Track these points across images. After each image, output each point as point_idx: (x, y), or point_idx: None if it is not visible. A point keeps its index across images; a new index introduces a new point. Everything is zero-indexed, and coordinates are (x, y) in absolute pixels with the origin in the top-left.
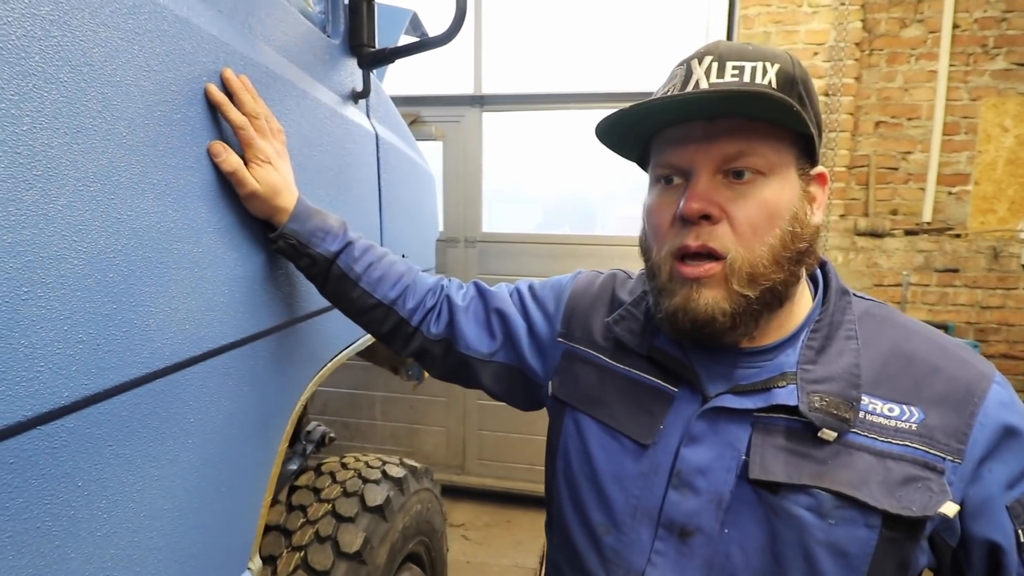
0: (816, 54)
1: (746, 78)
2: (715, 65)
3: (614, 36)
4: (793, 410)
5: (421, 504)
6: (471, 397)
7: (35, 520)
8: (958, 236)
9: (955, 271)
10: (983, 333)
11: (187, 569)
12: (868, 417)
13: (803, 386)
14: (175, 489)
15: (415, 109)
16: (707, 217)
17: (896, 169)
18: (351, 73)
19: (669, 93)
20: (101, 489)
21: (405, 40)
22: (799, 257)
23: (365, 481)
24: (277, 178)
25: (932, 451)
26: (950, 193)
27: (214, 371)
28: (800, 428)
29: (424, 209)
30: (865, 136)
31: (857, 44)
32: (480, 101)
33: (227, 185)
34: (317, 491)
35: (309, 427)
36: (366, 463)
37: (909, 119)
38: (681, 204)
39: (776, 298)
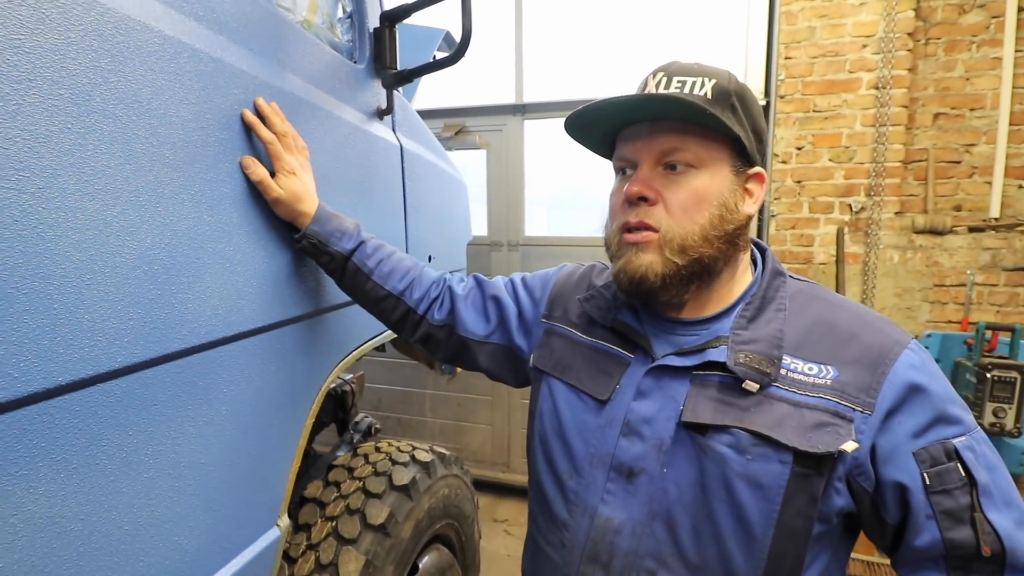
0: (865, 47)
1: (686, 90)
2: (664, 79)
3: (653, 39)
4: (723, 366)
5: (449, 489)
6: (515, 396)
7: (95, 457)
8: None
9: None
10: None
11: (221, 516)
12: (789, 374)
13: (732, 346)
14: (210, 447)
15: (460, 120)
16: (645, 199)
17: (958, 163)
18: (376, 93)
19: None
20: (148, 439)
21: (439, 57)
22: (728, 237)
23: (394, 463)
24: (300, 186)
25: (843, 402)
26: (1020, 187)
27: (244, 350)
28: (730, 382)
29: (453, 214)
30: (923, 129)
31: (910, 34)
32: (522, 109)
33: (257, 194)
34: (351, 470)
35: (357, 418)
36: (397, 448)
37: (972, 110)
38: (625, 188)
39: (704, 269)
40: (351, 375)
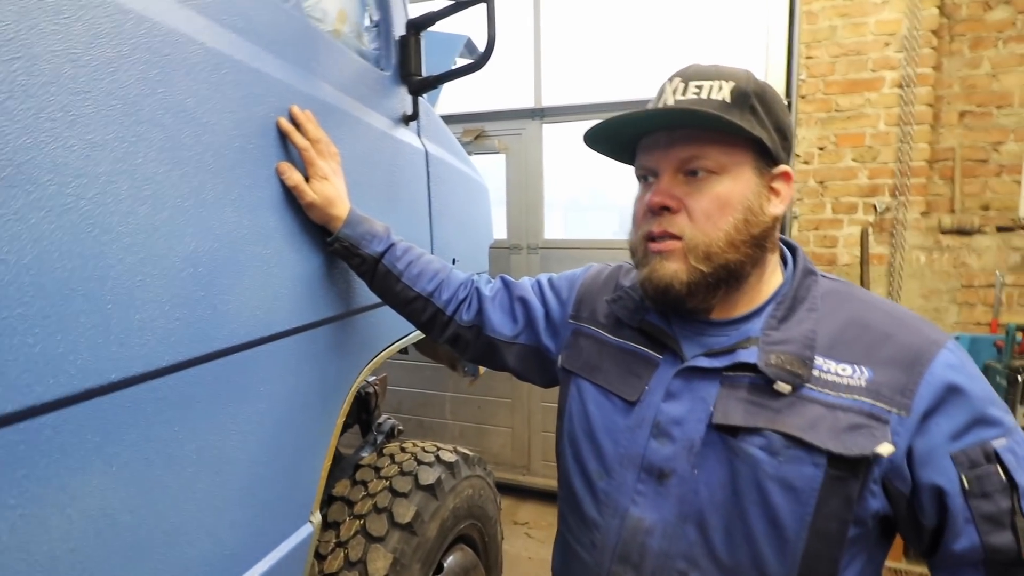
0: (888, 45)
1: (703, 95)
2: (681, 85)
3: (672, 42)
4: (754, 368)
5: (472, 489)
6: (535, 398)
7: (143, 452)
8: None
9: None
10: None
11: (258, 511)
12: (822, 375)
13: (763, 347)
14: (248, 444)
15: (479, 124)
16: (667, 208)
17: (986, 161)
18: (402, 99)
19: (649, 108)
20: (191, 435)
21: (461, 63)
22: (754, 240)
23: (420, 463)
24: (332, 191)
25: (878, 403)
26: None
27: (281, 350)
28: (761, 383)
29: (476, 218)
30: (948, 127)
31: (934, 31)
32: (540, 113)
33: (292, 199)
34: (377, 469)
35: (380, 420)
36: (422, 448)
37: (999, 107)
38: (646, 198)
39: (732, 275)
40: (374, 377)
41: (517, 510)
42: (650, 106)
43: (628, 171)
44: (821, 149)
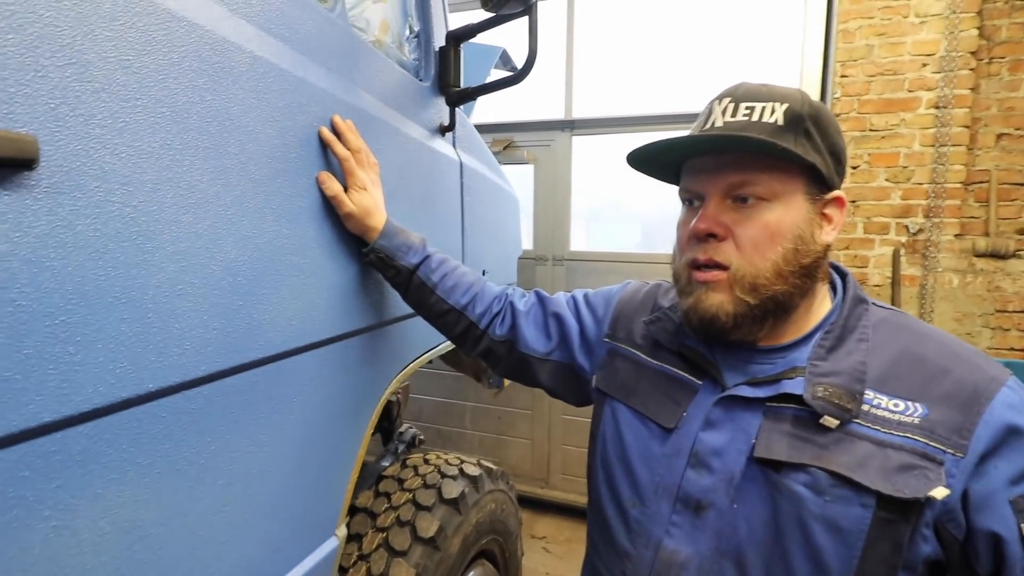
0: (925, 65)
1: (755, 117)
2: (731, 106)
3: (705, 57)
4: (799, 399)
5: (495, 504)
6: (556, 411)
7: (176, 463)
8: None
9: None
10: None
11: (287, 524)
12: (872, 410)
13: (810, 378)
14: (280, 455)
15: (509, 135)
16: (713, 235)
17: (1022, 185)
18: (439, 110)
19: (695, 129)
20: (224, 447)
21: (495, 74)
22: (804, 271)
23: (443, 476)
24: (370, 202)
25: (932, 443)
26: None
27: (314, 361)
28: (806, 416)
29: (506, 229)
30: (985, 150)
31: (973, 53)
32: (570, 125)
33: (330, 209)
34: (401, 481)
35: (402, 429)
36: (446, 460)
37: None
38: (692, 224)
39: (779, 306)
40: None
41: (535, 524)
42: (696, 126)
43: (650, 183)
44: (854, 168)
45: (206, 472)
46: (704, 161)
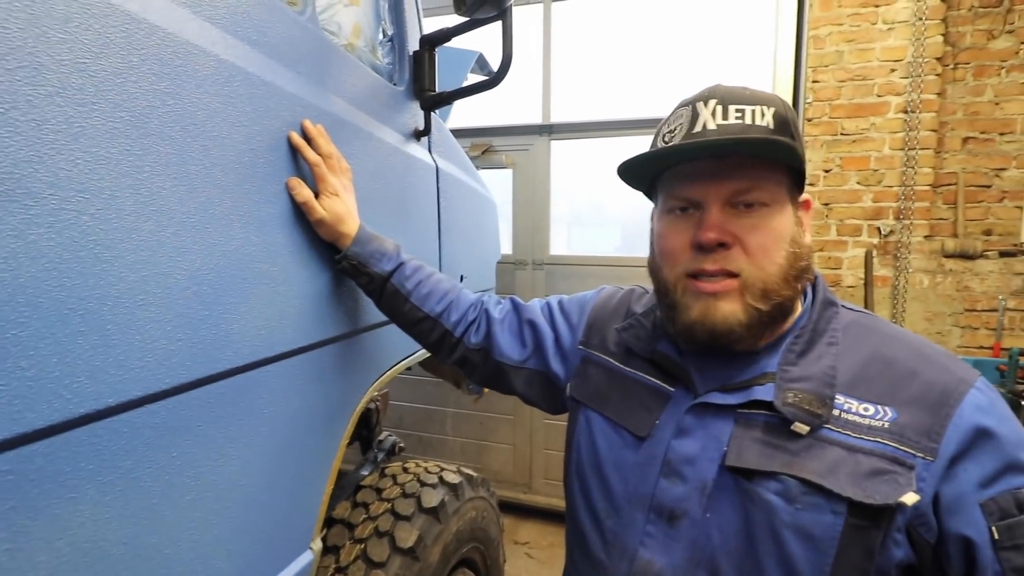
0: (893, 71)
1: (748, 120)
2: (719, 108)
3: (680, 62)
4: (770, 405)
5: (476, 511)
6: (538, 415)
7: (138, 480)
8: None
9: None
10: None
11: (257, 540)
12: (843, 415)
13: (780, 384)
14: (249, 468)
15: (487, 139)
16: (723, 244)
17: (988, 187)
18: (414, 114)
19: (677, 132)
20: (190, 462)
21: (472, 79)
22: (800, 274)
23: (423, 484)
24: (342, 208)
25: (902, 447)
26: None
27: (285, 371)
28: (777, 423)
29: (484, 234)
30: (952, 153)
31: (939, 59)
32: (549, 130)
33: (300, 215)
34: (379, 491)
35: (381, 437)
36: (425, 468)
37: (1001, 134)
38: (698, 233)
39: (782, 312)
40: (376, 393)
41: (518, 530)
42: (678, 129)
43: (625, 186)
44: (827, 172)
45: (171, 488)
46: (701, 166)
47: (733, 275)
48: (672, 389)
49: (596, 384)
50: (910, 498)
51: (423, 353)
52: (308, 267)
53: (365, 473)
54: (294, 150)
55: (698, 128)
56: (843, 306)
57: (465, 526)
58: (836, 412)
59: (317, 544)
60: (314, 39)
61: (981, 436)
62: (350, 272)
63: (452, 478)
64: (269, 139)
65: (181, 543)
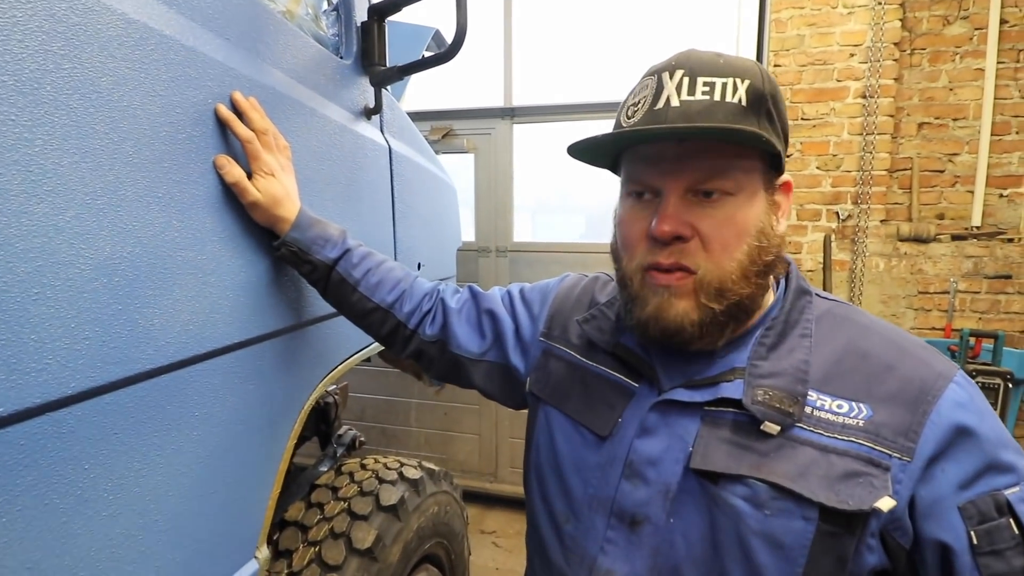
0: (853, 55)
1: (716, 96)
2: (686, 80)
3: (643, 44)
4: (739, 404)
5: (439, 506)
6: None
7: (43, 497)
8: (1011, 240)
9: (1008, 277)
10: None
11: (192, 552)
12: (815, 413)
13: (749, 380)
14: (180, 477)
15: (447, 123)
16: (680, 238)
17: (942, 172)
18: (363, 91)
19: (640, 107)
20: (107, 472)
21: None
22: (766, 270)
23: (381, 481)
24: (279, 189)
25: (877, 447)
26: (1001, 196)
27: (219, 369)
28: (746, 421)
29: (444, 220)
30: (907, 138)
31: (896, 44)
32: (511, 113)
33: (233, 197)
34: (335, 490)
35: (341, 431)
36: (384, 464)
37: (955, 119)
38: (653, 224)
39: (742, 311)
40: (334, 386)
41: (484, 519)
42: (641, 102)
43: (596, 173)
44: (788, 156)
45: (84, 504)
46: (660, 149)
47: (689, 271)
48: (636, 385)
49: (556, 379)
50: (886, 503)
51: (378, 346)
52: (243, 255)
53: (323, 470)
54: (224, 125)
55: (660, 104)
56: (817, 294)
57: (427, 522)
58: (808, 410)
59: (263, 552)
60: (245, 3)
61: (960, 435)
62: (290, 260)
63: (412, 473)
64: (192, 112)
65: (100, 563)
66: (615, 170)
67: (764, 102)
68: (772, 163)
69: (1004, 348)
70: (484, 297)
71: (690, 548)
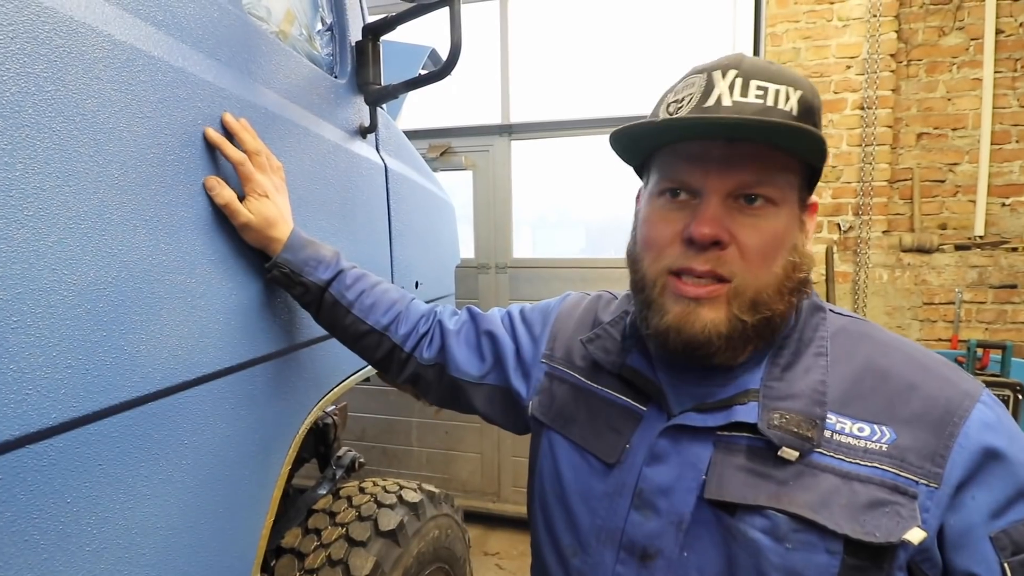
0: (849, 67)
1: (769, 101)
2: (739, 81)
3: (639, 59)
4: (754, 428)
5: (439, 530)
6: None
7: (23, 533)
8: (1015, 250)
9: (1013, 287)
10: None
11: None
12: (835, 436)
13: (765, 403)
14: (169, 508)
15: (445, 140)
16: (717, 243)
17: (943, 182)
18: (358, 110)
19: (685, 104)
20: (91, 506)
21: None
22: (798, 287)
23: (380, 505)
24: (272, 210)
25: (903, 474)
26: (1004, 204)
27: (209, 395)
28: (762, 447)
29: (441, 237)
30: (907, 149)
31: (892, 55)
32: (508, 130)
33: (224, 219)
34: (333, 515)
35: (340, 452)
36: (383, 488)
37: (954, 129)
38: (691, 227)
39: (771, 328)
40: (333, 407)
41: (487, 540)
42: (690, 99)
43: (595, 188)
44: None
45: (66, 539)
46: (709, 148)
47: (723, 279)
48: (644, 408)
49: (560, 403)
50: (916, 535)
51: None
52: (234, 278)
53: (322, 492)
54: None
55: (711, 102)
56: (831, 310)
57: (427, 547)
58: (828, 434)
59: None
60: (237, 23)
61: (990, 458)
62: (282, 282)
63: (412, 496)
64: (182, 133)
65: None
66: (640, 170)
67: (813, 115)
68: (808, 180)
69: (1012, 359)
70: (483, 319)
71: None
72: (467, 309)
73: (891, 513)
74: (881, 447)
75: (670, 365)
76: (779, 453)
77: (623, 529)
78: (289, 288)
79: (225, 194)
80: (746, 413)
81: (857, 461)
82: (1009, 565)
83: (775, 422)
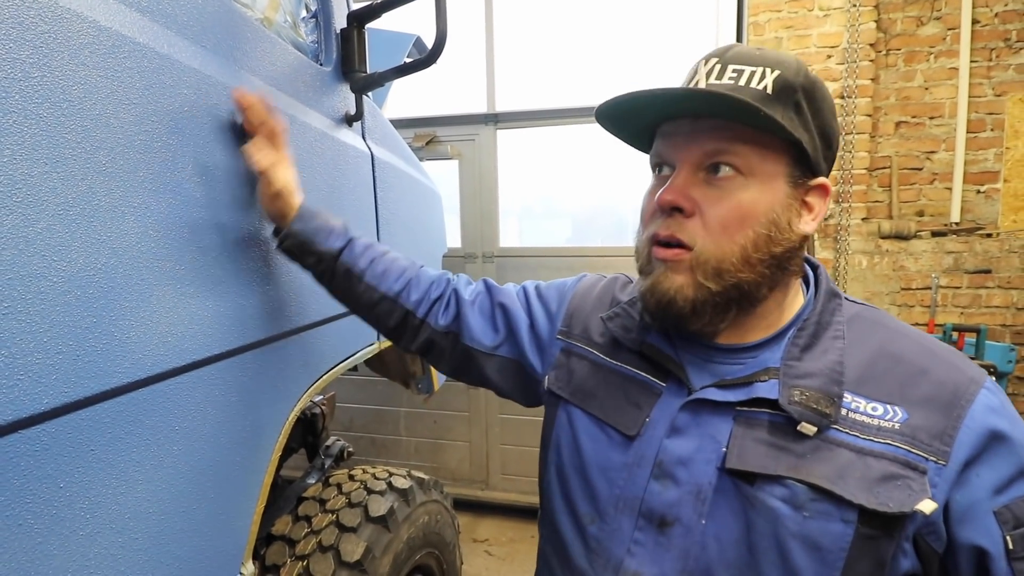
0: (830, 57)
1: (741, 82)
2: (717, 67)
3: (624, 48)
4: (774, 404)
5: (429, 516)
6: (493, 411)
7: (16, 518)
8: (989, 236)
9: (987, 272)
10: (1020, 336)
11: (174, 570)
12: (851, 415)
13: (785, 381)
14: (160, 493)
15: (431, 129)
16: (679, 210)
17: (920, 169)
18: (344, 98)
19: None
20: (83, 491)
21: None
22: (775, 260)
23: (370, 492)
24: (295, 178)
25: (914, 450)
26: (979, 192)
27: (200, 381)
28: (782, 422)
29: (428, 226)
30: (885, 137)
31: (872, 45)
32: (494, 119)
33: (212, 203)
34: (323, 502)
35: (328, 442)
36: (373, 475)
37: (931, 118)
38: (657, 194)
39: (744, 296)
40: (321, 396)
41: (476, 527)
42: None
43: (581, 177)
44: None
45: (59, 524)
46: (679, 125)
47: (684, 246)
48: (664, 384)
49: (579, 378)
50: (927, 506)
51: (364, 354)
52: (225, 264)
53: (311, 482)
54: (207, 129)
55: (690, 86)
56: (846, 298)
57: (417, 532)
58: (844, 411)
59: (249, 567)
60: (221, 9)
61: (994, 439)
62: (295, 252)
63: (401, 483)
64: (168, 119)
65: None
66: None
67: (792, 93)
68: (801, 158)
69: (987, 342)
70: (498, 291)
71: (723, 551)
72: (483, 280)
73: (903, 486)
74: (894, 425)
75: (691, 343)
76: (798, 428)
77: (642, 498)
78: (302, 259)
79: (265, 160)
80: (767, 390)
81: (871, 438)
82: (1011, 537)
83: (795, 398)
